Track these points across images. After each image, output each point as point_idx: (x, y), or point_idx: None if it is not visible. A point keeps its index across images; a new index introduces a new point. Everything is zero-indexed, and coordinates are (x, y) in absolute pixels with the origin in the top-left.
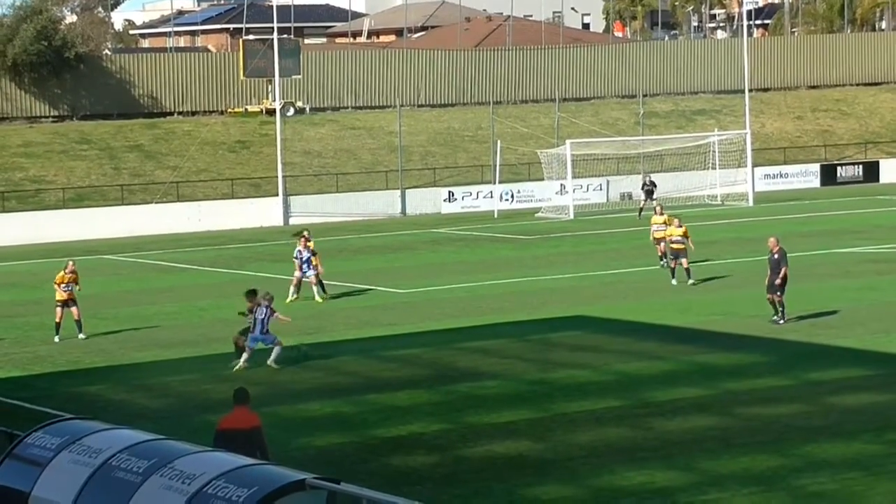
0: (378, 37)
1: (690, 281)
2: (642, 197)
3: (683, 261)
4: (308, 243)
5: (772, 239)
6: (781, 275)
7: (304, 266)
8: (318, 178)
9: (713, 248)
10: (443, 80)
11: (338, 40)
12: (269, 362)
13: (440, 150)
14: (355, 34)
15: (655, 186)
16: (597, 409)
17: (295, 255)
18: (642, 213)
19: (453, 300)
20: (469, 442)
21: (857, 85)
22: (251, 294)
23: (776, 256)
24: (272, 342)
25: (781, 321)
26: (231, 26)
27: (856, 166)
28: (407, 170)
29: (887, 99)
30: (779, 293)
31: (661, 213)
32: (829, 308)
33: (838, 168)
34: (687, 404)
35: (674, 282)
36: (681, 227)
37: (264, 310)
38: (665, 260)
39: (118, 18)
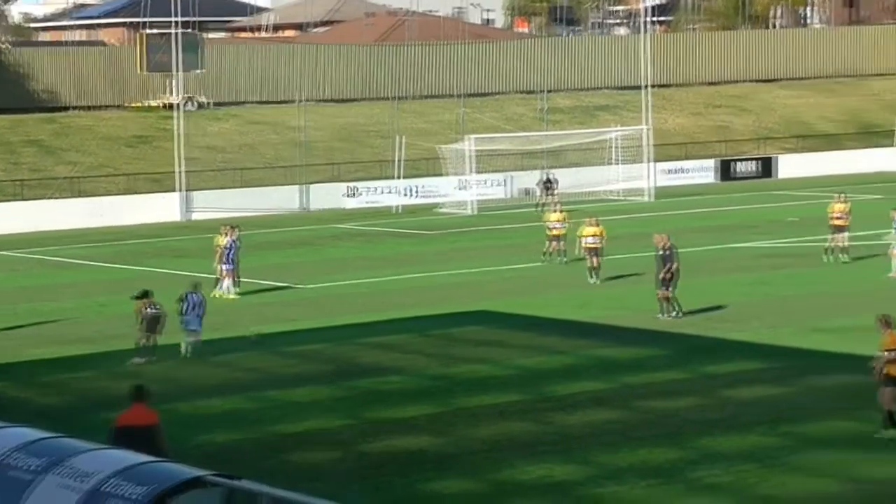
0: (281, 31)
1: (596, 280)
2: (538, 192)
3: (595, 259)
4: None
5: (657, 236)
6: (666, 270)
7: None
8: (219, 174)
9: (613, 243)
10: (345, 75)
11: (240, 35)
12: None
13: (343, 145)
14: (257, 29)
15: (557, 183)
16: (498, 404)
17: (227, 246)
18: (542, 207)
19: (355, 296)
20: (370, 437)
21: (754, 81)
22: (144, 295)
23: (664, 253)
24: (196, 328)
25: (672, 316)
26: (131, 20)
27: (752, 162)
28: (309, 165)
29: (783, 95)
30: (668, 289)
31: (560, 211)
32: (724, 302)
33: (735, 163)
34: (587, 398)
35: (591, 280)
36: (597, 226)
37: (199, 298)
38: (549, 257)
39: (15, 12)
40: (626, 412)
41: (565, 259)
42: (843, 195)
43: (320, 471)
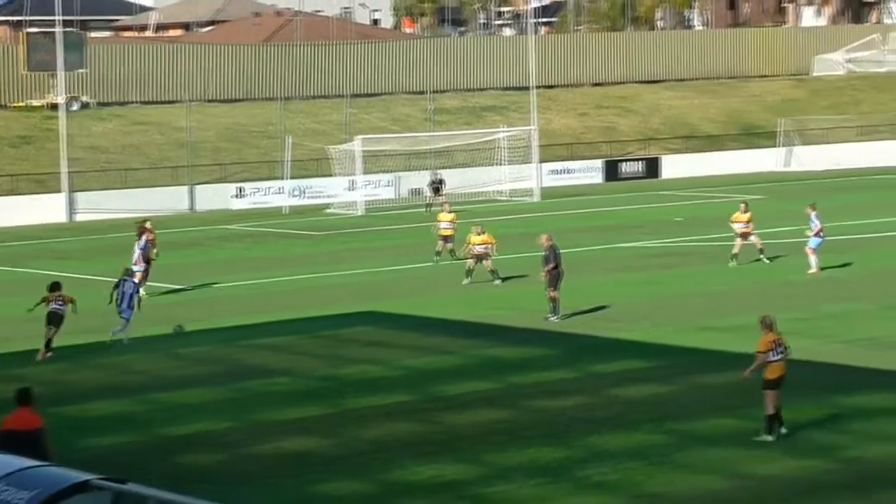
0: (165, 31)
1: (497, 281)
2: (427, 193)
3: (487, 263)
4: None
5: (542, 236)
6: (548, 269)
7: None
8: (104, 174)
9: (500, 242)
10: (232, 75)
11: (124, 34)
12: (111, 334)
13: (229, 145)
14: (142, 28)
15: (444, 183)
16: (387, 405)
17: (141, 247)
18: (430, 208)
19: (243, 297)
20: (258, 439)
21: (639, 82)
22: (55, 286)
23: (546, 253)
24: (128, 317)
25: (554, 317)
26: (13, 18)
27: (638, 162)
28: (195, 165)
29: (667, 96)
30: (552, 289)
31: (450, 211)
32: (612, 302)
33: (621, 164)
34: (475, 398)
35: (465, 281)
36: (482, 234)
37: (132, 285)
38: (439, 257)
39: None
40: (514, 412)
41: (497, 280)
42: (744, 204)
43: (208, 473)
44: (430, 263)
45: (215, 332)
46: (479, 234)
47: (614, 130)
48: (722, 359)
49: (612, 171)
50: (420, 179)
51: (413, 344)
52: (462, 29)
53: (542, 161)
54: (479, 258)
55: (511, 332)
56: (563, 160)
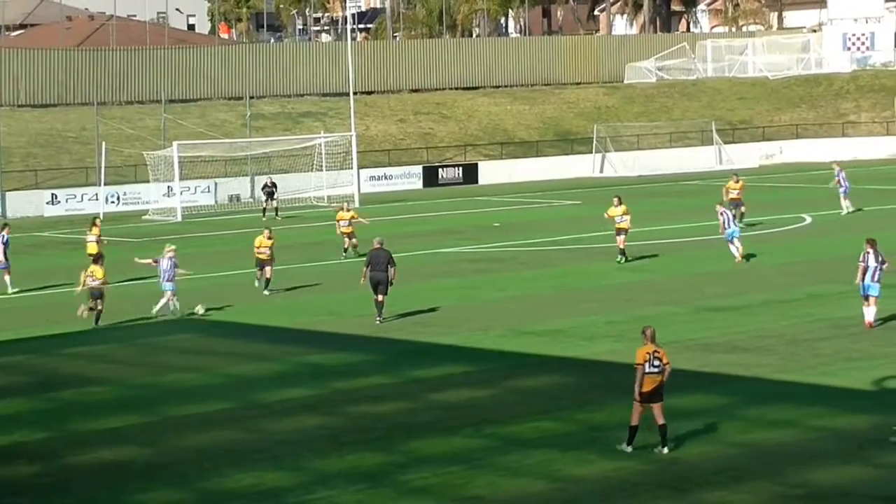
0: None
1: (267, 291)
2: (263, 198)
3: (267, 269)
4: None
5: (375, 240)
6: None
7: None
8: None
9: (319, 249)
10: (44, 79)
11: None
12: (154, 311)
13: (42, 151)
14: None
15: (276, 188)
16: (206, 413)
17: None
18: (267, 213)
19: (57, 305)
20: (75, 449)
21: (456, 89)
22: (98, 258)
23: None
24: (172, 290)
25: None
26: None
27: (456, 168)
28: (7, 172)
29: (484, 103)
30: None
31: (348, 210)
32: (432, 307)
33: (440, 170)
34: (296, 405)
35: (266, 292)
36: (270, 238)
37: (168, 261)
38: (346, 254)
39: None
40: (335, 418)
41: (268, 291)
42: (617, 198)
43: (22, 485)
44: (340, 261)
45: (28, 341)
46: (267, 238)
47: (432, 136)
48: (539, 362)
49: (430, 176)
50: (238, 185)
51: (233, 351)
52: (279, 34)
53: (361, 167)
54: (263, 264)
55: (332, 338)
56: (382, 166)
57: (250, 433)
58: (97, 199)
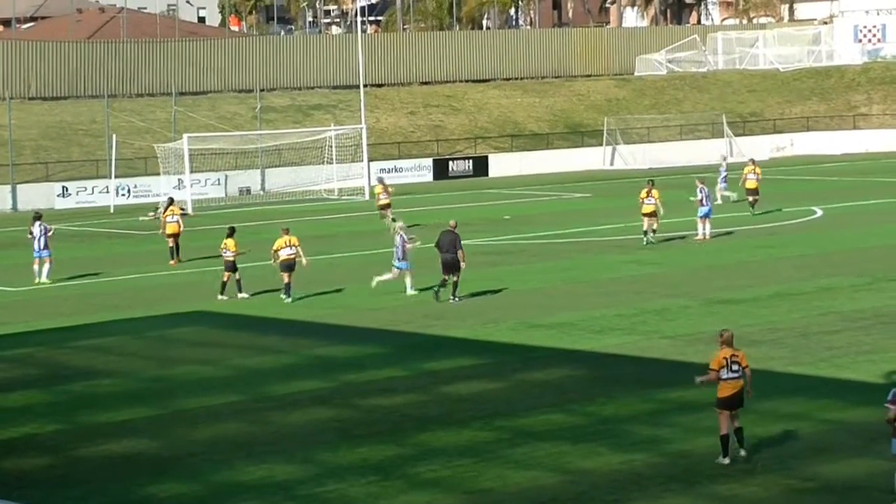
0: None
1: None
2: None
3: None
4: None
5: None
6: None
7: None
8: None
9: (331, 241)
10: (55, 72)
11: None
12: (409, 292)
13: (53, 143)
14: None
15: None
16: (216, 405)
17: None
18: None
19: (68, 298)
20: (85, 442)
21: (467, 81)
22: (231, 232)
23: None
24: (407, 267)
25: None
26: None
27: (466, 161)
28: (18, 164)
29: (494, 95)
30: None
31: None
32: (442, 299)
33: (450, 162)
34: (306, 397)
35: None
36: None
37: (399, 238)
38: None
39: None
40: (345, 410)
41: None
42: (650, 182)
43: (33, 477)
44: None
45: (38, 333)
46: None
47: (443, 129)
48: (549, 355)
49: (441, 169)
50: (249, 178)
51: (244, 343)
52: (289, 27)
53: (371, 160)
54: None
55: (343, 331)
56: (392, 159)
57: (261, 426)
58: (108, 192)
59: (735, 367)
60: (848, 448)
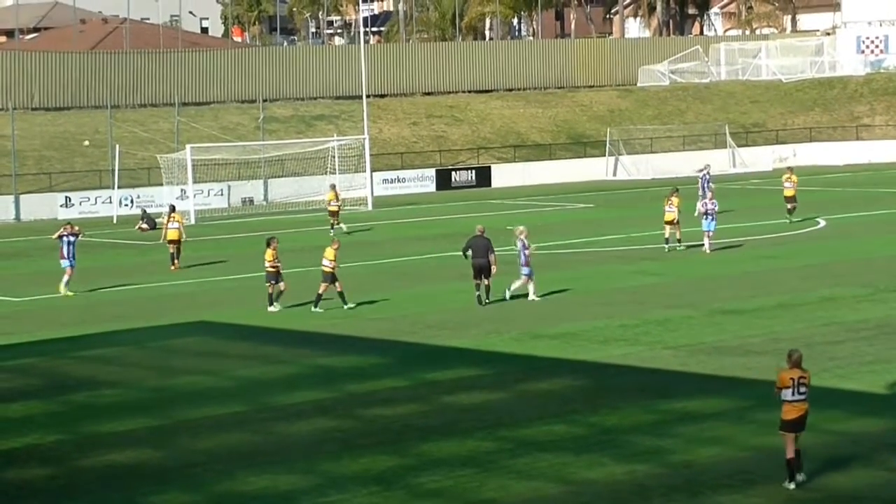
0: None
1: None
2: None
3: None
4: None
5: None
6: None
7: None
8: None
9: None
10: (58, 82)
11: None
12: (531, 297)
13: (56, 154)
14: None
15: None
16: (218, 415)
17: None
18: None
19: (70, 308)
20: (87, 452)
21: (469, 92)
22: (270, 241)
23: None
24: (529, 274)
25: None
26: None
27: (469, 171)
28: (21, 175)
29: (497, 105)
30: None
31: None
32: (445, 309)
33: (453, 173)
34: (308, 407)
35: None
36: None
37: (520, 244)
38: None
39: None
40: (348, 420)
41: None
42: (675, 190)
43: (35, 488)
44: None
45: (41, 343)
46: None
47: (445, 139)
48: (552, 365)
49: (443, 179)
50: (252, 188)
51: (245, 353)
52: (292, 38)
53: (374, 170)
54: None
55: (345, 341)
56: (395, 169)
57: (263, 436)
58: (111, 202)
59: (802, 390)
60: (851, 459)
